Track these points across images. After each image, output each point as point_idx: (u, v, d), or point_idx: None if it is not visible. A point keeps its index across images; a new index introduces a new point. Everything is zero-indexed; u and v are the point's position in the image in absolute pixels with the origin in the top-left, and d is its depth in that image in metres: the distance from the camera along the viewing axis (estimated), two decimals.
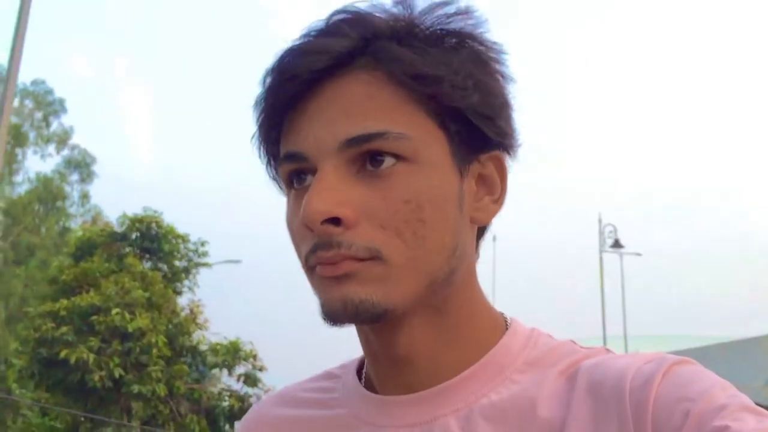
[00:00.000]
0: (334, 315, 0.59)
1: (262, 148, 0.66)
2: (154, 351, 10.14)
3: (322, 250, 0.58)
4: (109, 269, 11.78)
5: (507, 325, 0.68)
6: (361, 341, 0.67)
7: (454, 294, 0.64)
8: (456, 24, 0.64)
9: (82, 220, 30.58)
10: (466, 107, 0.61)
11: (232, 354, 11.46)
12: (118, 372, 9.87)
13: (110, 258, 12.36)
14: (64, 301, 10.44)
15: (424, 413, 0.63)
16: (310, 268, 0.61)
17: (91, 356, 9.65)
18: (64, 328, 9.99)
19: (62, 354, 9.69)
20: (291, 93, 0.61)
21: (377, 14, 0.63)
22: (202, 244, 13.33)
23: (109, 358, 9.83)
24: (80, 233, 13.03)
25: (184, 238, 13.23)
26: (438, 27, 0.63)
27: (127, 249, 12.57)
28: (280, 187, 0.66)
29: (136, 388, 9.94)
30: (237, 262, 15.95)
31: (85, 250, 12.89)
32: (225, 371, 11.57)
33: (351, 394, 0.68)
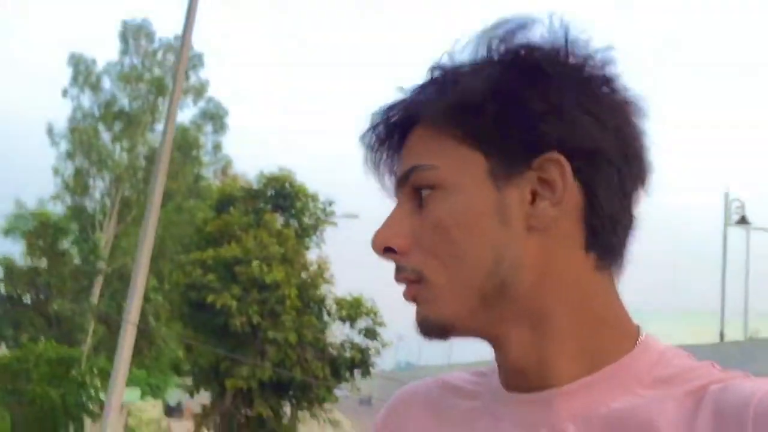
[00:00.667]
0: (418, 330, 0.69)
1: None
2: (288, 302, 11.13)
3: (395, 271, 0.68)
4: (247, 223, 12.85)
5: (639, 338, 0.68)
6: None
7: (540, 308, 0.66)
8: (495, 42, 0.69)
9: (213, 169, 32.54)
10: (490, 128, 0.66)
11: (355, 309, 12.32)
12: (256, 319, 10.93)
13: (247, 212, 13.45)
14: (211, 251, 11.57)
15: (539, 414, 0.66)
16: None
17: (234, 303, 10.75)
18: (210, 276, 11.13)
19: (209, 299, 10.83)
20: (384, 145, 0.71)
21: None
22: (330, 204, 14.19)
23: (248, 306, 10.91)
24: (221, 187, 14.15)
25: (314, 197, 14.12)
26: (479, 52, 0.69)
27: (263, 205, 13.60)
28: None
29: (271, 334, 10.99)
30: (354, 216, 16.76)
31: (225, 203, 14.06)
32: (348, 324, 12.46)
33: (489, 389, 0.72)
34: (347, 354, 12.18)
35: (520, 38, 0.68)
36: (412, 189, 0.67)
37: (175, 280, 11.51)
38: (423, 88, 0.69)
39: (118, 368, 7.86)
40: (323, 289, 12.52)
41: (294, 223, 13.73)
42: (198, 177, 31.52)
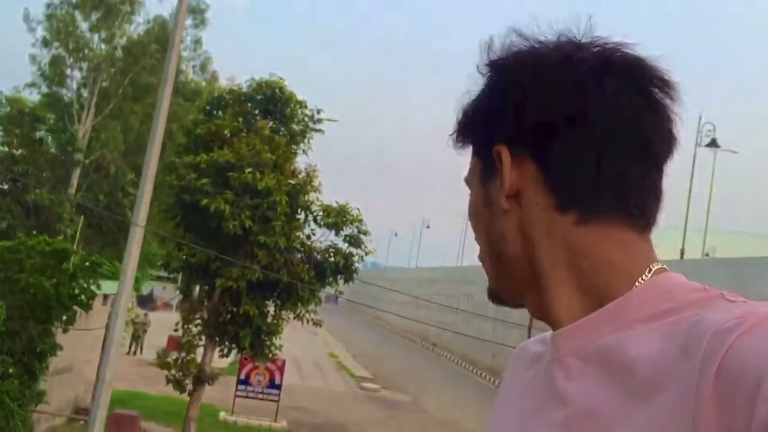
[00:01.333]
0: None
1: None
2: (279, 208, 11.53)
3: None
4: (237, 128, 13.05)
5: (642, 277, 0.74)
6: None
7: (529, 265, 0.78)
8: None
9: (193, 65, 32.00)
10: (473, 138, 0.84)
11: (341, 216, 12.77)
12: (248, 223, 11.34)
13: (237, 117, 13.61)
14: (204, 156, 11.81)
15: (555, 351, 0.76)
16: None
17: (227, 207, 11.11)
18: (204, 180, 11.43)
19: (203, 202, 11.17)
20: None
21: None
22: (318, 111, 14.39)
23: (241, 211, 11.28)
24: (210, 90, 14.20)
25: (302, 104, 14.29)
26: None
27: (253, 110, 13.75)
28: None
29: (261, 238, 11.44)
30: (335, 121, 16.92)
31: (214, 106, 14.18)
32: (333, 232, 12.94)
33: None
34: (332, 259, 12.71)
35: (491, 54, 0.81)
36: None
37: (169, 182, 11.77)
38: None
39: (126, 268, 8.28)
40: (311, 196, 12.91)
41: (282, 129, 13.94)
42: (178, 72, 31.06)
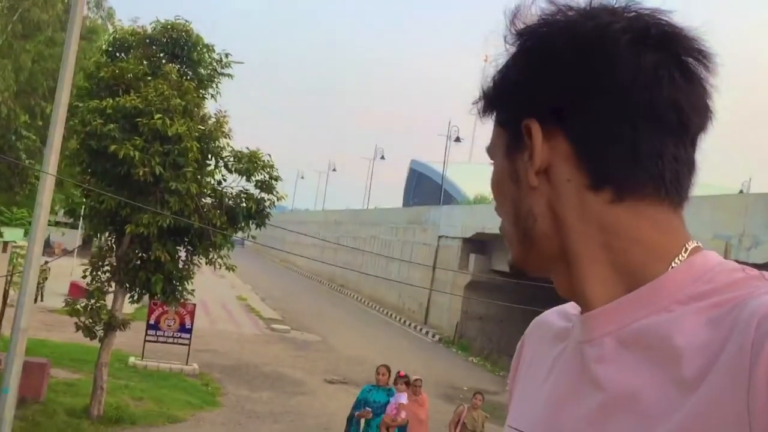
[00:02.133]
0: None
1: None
2: (190, 155, 11.50)
3: None
4: (143, 71, 12.78)
5: (679, 257, 0.73)
6: None
7: (560, 244, 0.76)
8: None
9: (87, 0, 30.43)
10: (500, 109, 0.81)
11: (252, 162, 12.86)
12: (158, 170, 11.28)
13: (142, 60, 13.30)
14: (110, 101, 11.56)
15: (583, 333, 0.76)
16: None
17: (137, 153, 11.00)
18: (111, 126, 11.22)
19: (111, 148, 11.01)
20: None
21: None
22: (226, 55, 14.22)
23: (151, 158, 11.20)
24: (112, 32, 13.77)
25: (210, 48, 14.08)
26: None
27: (158, 54, 13.46)
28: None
29: (173, 184, 11.41)
30: (240, 63, 16.74)
31: (118, 48, 13.77)
32: (244, 178, 13.01)
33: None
34: (244, 204, 12.82)
35: (518, 23, 0.78)
36: None
37: (72, 126, 11.47)
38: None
39: (38, 216, 8.17)
40: (221, 141, 12.89)
41: (190, 73, 13.73)
42: (69, 6, 29.51)
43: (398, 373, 10.64)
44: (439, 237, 31.77)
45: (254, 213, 12.88)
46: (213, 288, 31.76)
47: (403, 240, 37.03)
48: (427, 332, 30.03)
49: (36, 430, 11.17)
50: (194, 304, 17.22)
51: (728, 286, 0.68)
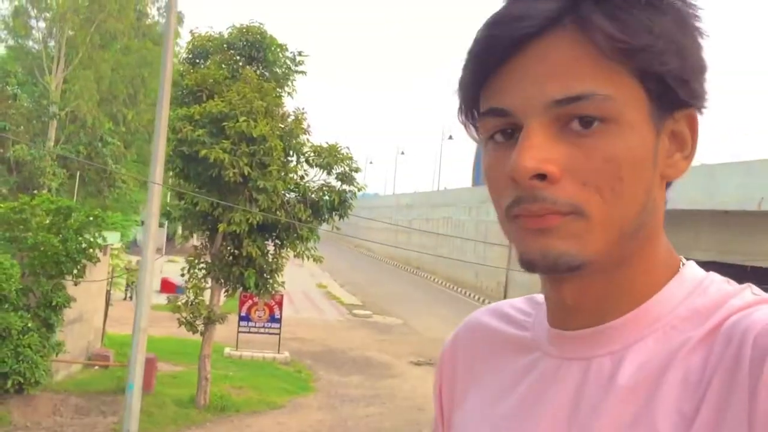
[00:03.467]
0: (531, 264, 0.64)
1: (462, 101, 0.69)
2: (275, 153, 12.02)
3: (527, 203, 0.63)
4: (223, 75, 13.36)
5: (679, 269, 0.69)
6: (541, 282, 0.72)
7: (638, 248, 0.67)
8: None
9: (157, 6, 31.52)
10: (667, 72, 0.63)
11: (332, 156, 13.30)
12: (246, 170, 11.83)
13: (221, 65, 13.89)
14: (197, 107, 12.17)
15: (584, 350, 0.68)
16: (512, 218, 0.65)
17: (226, 156, 11.57)
18: (200, 131, 11.84)
19: (202, 153, 11.61)
20: (497, 54, 0.63)
21: None
22: (299, 53, 14.68)
23: (239, 159, 11.76)
24: (191, 39, 14.40)
25: (283, 47, 14.57)
26: None
27: (238, 57, 14.03)
28: (471, 134, 0.70)
29: (260, 183, 11.96)
30: (306, 56, 17.13)
31: (197, 55, 14.41)
32: (325, 172, 13.48)
33: (539, 322, 0.75)
34: (327, 197, 13.30)
35: None
36: (566, 113, 0.62)
37: (168, 135, 12.13)
38: None
39: (149, 223, 8.79)
40: (301, 138, 13.38)
41: (266, 74, 14.25)
42: (141, 14, 30.66)
43: None
44: None
45: (337, 205, 13.34)
46: (293, 278, 32.59)
47: (477, 219, 37.14)
48: None
49: (151, 420, 11.95)
50: (282, 295, 17.89)
51: (722, 298, 0.66)
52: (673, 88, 0.64)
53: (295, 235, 13.36)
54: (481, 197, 37.89)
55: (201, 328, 13.33)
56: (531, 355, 0.74)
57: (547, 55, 0.62)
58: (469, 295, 34.64)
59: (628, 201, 0.64)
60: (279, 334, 18.35)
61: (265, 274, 13.49)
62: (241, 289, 13.98)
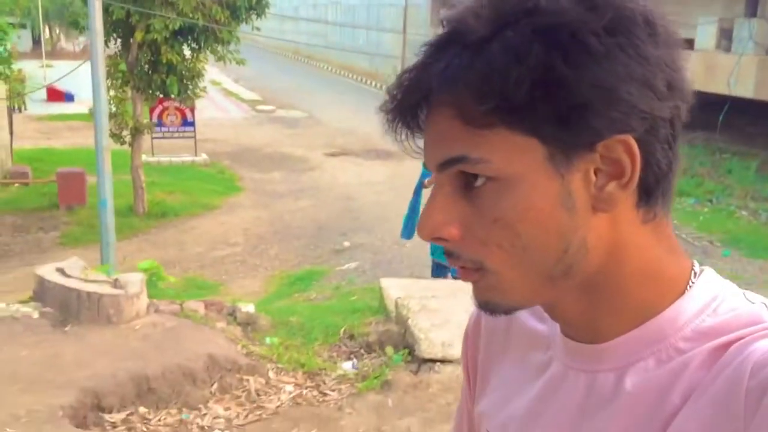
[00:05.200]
0: (479, 308, 0.67)
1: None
2: None
3: (447, 256, 0.65)
4: None
5: (689, 286, 0.65)
6: None
7: (595, 275, 0.64)
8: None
9: None
10: (548, 117, 0.58)
11: None
12: None
13: None
14: None
15: (589, 363, 0.68)
16: None
17: None
18: None
19: None
20: (414, 118, 0.65)
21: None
22: None
23: None
24: None
25: None
26: (500, 16, 0.59)
27: None
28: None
29: None
30: None
31: None
32: None
33: (552, 323, 0.74)
34: None
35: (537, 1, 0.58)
36: (459, 172, 0.62)
37: None
38: (440, 54, 0.61)
39: (94, 27, 8.49)
40: None
41: None
42: None
43: None
44: None
45: (254, 4, 13.05)
46: None
47: (368, 3, 36.48)
48: None
49: (95, 232, 12.26)
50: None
51: (731, 319, 0.63)
52: (570, 127, 0.58)
53: (213, 38, 13.10)
54: None
55: (128, 138, 13.30)
56: (546, 352, 0.75)
57: (432, 124, 0.63)
58: (366, 81, 34.94)
59: (537, 251, 0.62)
60: (194, 137, 18.41)
61: (185, 80, 13.35)
62: (161, 96, 13.83)
